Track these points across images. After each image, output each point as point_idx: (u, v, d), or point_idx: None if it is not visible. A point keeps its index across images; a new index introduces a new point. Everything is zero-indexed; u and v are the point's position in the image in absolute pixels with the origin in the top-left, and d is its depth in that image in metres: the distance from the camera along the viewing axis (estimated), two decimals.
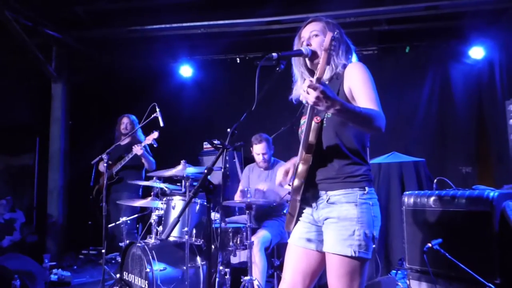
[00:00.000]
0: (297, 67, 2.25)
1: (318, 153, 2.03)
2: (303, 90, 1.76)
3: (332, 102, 1.73)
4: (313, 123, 2.00)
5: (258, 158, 4.49)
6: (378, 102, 1.98)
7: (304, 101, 1.79)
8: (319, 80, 1.76)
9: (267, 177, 4.48)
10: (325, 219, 2.05)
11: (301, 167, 2.03)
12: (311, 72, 2.19)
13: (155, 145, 4.98)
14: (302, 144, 2.06)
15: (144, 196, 5.00)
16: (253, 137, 4.53)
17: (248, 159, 5.50)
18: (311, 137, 2.00)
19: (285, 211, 4.26)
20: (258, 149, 4.46)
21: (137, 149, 4.93)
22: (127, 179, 5.07)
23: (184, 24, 6.41)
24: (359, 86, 2.02)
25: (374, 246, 2.04)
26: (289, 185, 2.20)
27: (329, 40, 1.85)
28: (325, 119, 2.04)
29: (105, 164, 4.63)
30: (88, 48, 7.28)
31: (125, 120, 5.45)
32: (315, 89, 1.71)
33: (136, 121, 5.42)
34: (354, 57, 2.23)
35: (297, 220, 2.15)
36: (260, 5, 5.89)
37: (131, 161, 5.11)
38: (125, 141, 5.18)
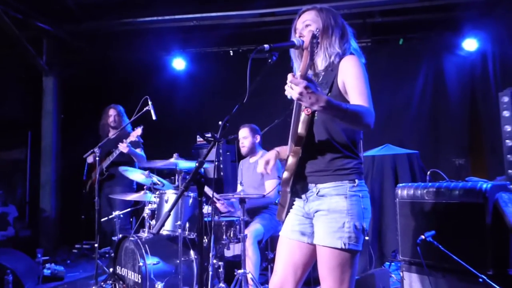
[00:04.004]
0: (296, 60, 2.23)
1: (308, 145, 2.01)
2: (287, 85, 1.74)
3: (317, 98, 1.71)
4: (303, 114, 1.97)
5: (240, 143, 4.53)
6: (369, 98, 1.96)
7: (289, 96, 1.78)
8: (302, 77, 1.73)
9: (254, 168, 4.44)
10: (316, 212, 2.05)
11: (290, 160, 2.02)
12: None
13: (140, 142, 4.90)
14: (291, 136, 2.05)
15: (137, 190, 4.96)
16: None
17: None
18: (301, 129, 1.98)
19: (276, 201, 4.25)
20: (240, 134, 4.52)
21: (123, 147, 4.80)
22: (119, 174, 5.01)
23: (177, 17, 6.38)
24: (351, 81, 1.99)
25: (367, 238, 2.05)
26: (278, 177, 2.21)
27: (308, 39, 1.82)
28: (316, 111, 2.02)
29: (97, 158, 4.58)
30: (79, 41, 7.21)
31: (112, 112, 5.29)
32: (297, 84, 1.68)
33: (123, 111, 5.30)
34: (353, 43, 2.18)
35: (288, 210, 2.15)
36: None
37: (121, 156, 4.98)
38: (115, 134, 5.11)
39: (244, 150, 4.52)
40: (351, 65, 2.03)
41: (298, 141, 1.99)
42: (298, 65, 2.21)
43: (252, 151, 4.50)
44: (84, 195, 5.55)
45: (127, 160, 5.04)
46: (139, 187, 4.83)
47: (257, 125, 4.57)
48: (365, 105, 1.92)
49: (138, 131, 4.74)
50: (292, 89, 1.70)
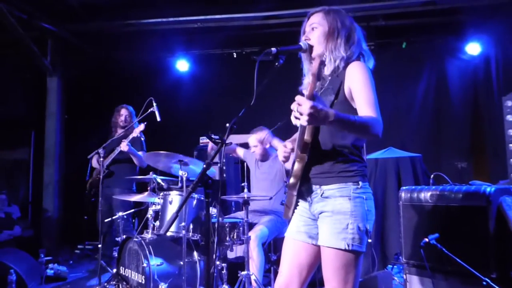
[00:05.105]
0: (305, 62, 2.24)
1: (313, 150, 2.03)
2: (293, 116, 1.73)
3: (326, 114, 1.73)
4: None
5: (251, 151, 4.45)
6: (376, 106, 1.96)
7: (298, 125, 1.78)
8: (308, 97, 1.74)
9: (267, 168, 4.43)
10: (320, 213, 2.07)
11: (296, 165, 2.04)
12: None
13: (142, 138, 4.88)
14: (297, 143, 2.07)
15: (139, 191, 4.94)
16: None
17: None
18: (307, 136, 1.99)
19: (282, 202, 4.25)
20: (250, 142, 4.41)
21: (123, 145, 4.75)
22: (119, 174, 4.96)
23: (181, 18, 6.40)
24: (358, 88, 1.99)
25: (370, 240, 2.06)
26: (285, 181, 2.21)
27: (316, 65, 1.83)
28: None
29: (100, 159, 4.58)
30: (84, 42, 7.24)
31: (124, 111, 5.24)
32: (303, 104, 1.70)
33: (134, 113, 5.27)
34: (363, 44, 2.19)
35: (294, 210, 2.18)
36: (258, 0, 5.88)
37: (122, 154, 4.92)
38: (120, 134, 5.09)
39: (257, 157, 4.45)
40: (357, 72, 2.02)
41: (304, 147, 2.01)
42: (308, 67, 2.22)
43: (265, 157, 4.42)
44: (86, 196, 5.54)
45: (128, 158, 5.00)
46: (143, 188, 4.82)
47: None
48: (372, 114, 1.93)
49: (141, 126, 4.71)
50: (300, 114, 1.71)
